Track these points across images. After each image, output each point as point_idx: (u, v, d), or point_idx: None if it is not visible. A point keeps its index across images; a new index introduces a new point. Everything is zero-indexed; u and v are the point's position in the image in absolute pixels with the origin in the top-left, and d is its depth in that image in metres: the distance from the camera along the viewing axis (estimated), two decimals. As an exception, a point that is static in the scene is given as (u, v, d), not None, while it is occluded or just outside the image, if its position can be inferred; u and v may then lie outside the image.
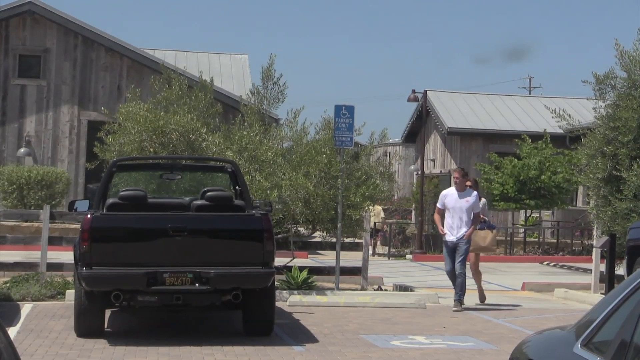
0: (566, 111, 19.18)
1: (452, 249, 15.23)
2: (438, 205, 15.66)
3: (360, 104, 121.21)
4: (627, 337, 4.49)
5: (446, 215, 15.41)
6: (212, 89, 24.04)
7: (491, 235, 16.07)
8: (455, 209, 15.22)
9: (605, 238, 17.15)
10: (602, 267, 17.61)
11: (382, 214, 37.30)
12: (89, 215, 11.27)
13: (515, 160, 31.05)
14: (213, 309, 12.57)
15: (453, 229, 15.16)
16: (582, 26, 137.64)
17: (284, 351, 10.87)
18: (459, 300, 15.17)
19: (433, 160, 39.09)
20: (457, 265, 15.12)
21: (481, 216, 15.69)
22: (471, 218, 15.24)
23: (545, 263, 27.82)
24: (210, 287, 11.03)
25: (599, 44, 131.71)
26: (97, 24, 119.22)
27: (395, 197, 43.55)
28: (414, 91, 35.45)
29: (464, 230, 15.14)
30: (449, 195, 15.38)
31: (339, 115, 16.66)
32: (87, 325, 11.44)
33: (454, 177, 15.70)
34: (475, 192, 15.49)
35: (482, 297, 16.22)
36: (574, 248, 30.62)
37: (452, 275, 15.27)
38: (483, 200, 16.13)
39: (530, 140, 31.36)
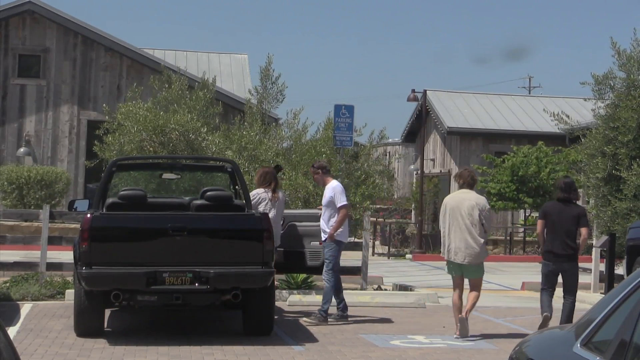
0: (565, 111, 19.23)
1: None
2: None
3: (360, 104, 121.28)
4: (627, 336, 4.49)
5: None
6: (213, 89, 24.04)
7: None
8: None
9: (604, 237, 17.15)
10: (602, 267, 17.61)
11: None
12: (88, 215, 11.26)
13: (512, 158, 30.99)
14: (213, 309, 12.57)
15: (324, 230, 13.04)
16: (582, 26, 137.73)
17: (283, 351, 10.87)
18: (320, 312, 13.03)
19: (433, 160, 39.09)
20: (323, 273, 13.16)
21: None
22: (333, 215, 12.92)
23: (545, 263, 27.76)
24: (210, 286, 11.02)
25: (599, 44, 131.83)
26: (97, 23, 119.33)
27: (395, 197, 43.54)
28: (413, 91, 35.45)
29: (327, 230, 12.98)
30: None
31: (339, 115, 16.66)
32: (86, 324, 11.44)
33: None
34: (335, 184, 13.11)
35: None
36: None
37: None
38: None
39: (526, 148, 31.35)
